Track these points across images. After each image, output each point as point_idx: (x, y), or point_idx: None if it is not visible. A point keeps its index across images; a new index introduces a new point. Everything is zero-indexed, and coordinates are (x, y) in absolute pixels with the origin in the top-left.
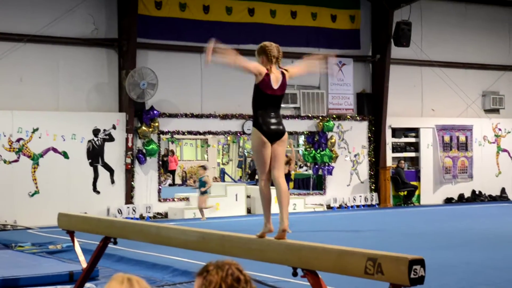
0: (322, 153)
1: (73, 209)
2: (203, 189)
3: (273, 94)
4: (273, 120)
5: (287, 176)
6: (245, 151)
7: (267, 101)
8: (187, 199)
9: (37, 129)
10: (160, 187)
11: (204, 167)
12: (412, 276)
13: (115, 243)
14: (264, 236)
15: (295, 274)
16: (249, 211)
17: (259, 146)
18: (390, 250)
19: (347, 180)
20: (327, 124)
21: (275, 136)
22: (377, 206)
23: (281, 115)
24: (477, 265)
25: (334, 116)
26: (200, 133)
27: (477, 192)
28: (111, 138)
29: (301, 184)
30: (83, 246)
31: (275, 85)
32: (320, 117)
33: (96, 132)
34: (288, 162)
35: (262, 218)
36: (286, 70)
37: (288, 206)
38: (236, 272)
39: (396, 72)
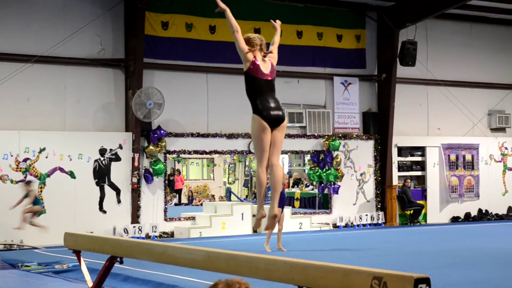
0: (327, 172)
1: (80, 229)
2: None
3: (265, 79)
4: (272, 105)
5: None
6: (251, 170)
7: (261, 87)
8: (193, 218)
9: (44, 149)
10: (166, 206)
11: (27, 182)
12: None
13: (121, 262)
14: (259, 222)
15: None
16: (255, 230)
17: (259, 131)
18: (396, 269)
19: (353, 199)
20: (333, 143)
21: (275, 121)
22: (383, 225)
23: (277, 99)
24: (484, 284)
25: (340, 135)
26: (206, 153)
27: (483, 211)
28: (117, 158)
29: (307, 203)
30: (89, 266)
31: (265, 70)
32: (326, 136)
33: (102, 151)
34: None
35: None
36: (270, 52)
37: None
38: None
39: (401, 91)
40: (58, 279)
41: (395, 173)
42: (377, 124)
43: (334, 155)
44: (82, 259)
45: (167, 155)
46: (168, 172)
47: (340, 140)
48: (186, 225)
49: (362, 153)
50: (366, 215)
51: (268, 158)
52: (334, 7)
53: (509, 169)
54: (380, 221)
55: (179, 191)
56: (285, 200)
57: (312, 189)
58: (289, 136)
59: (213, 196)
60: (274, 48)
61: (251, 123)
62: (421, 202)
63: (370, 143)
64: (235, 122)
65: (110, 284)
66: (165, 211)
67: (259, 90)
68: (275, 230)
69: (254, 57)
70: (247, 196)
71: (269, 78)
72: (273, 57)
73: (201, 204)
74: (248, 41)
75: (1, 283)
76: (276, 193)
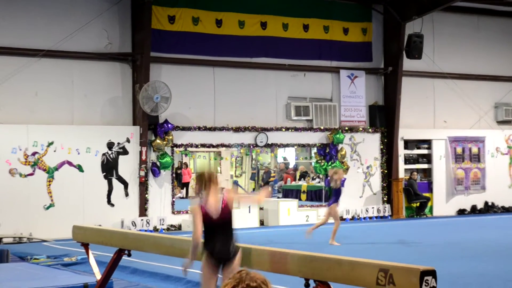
0: (333, 165)
1: (88, 222)
2: None
3: (214, 222)
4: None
5: (337, 191)
6: (258, 163)
7: (211, 227)
8: None
9: (52, 143)
10: (173, 199)
11: None
12: (423, 287)
13: (129, 255)
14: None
15: (307, 286)
16: (262, 223)
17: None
18: (402, 261)
19: (359, 192)
20: (337, 136)
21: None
22: (389, 217)
23: (232, 239)
24: (489, 276)
25: (347, 128)
26: (213, 146)
27: (489, 204)
28: (125, 151)
29: (314, 196)
30: (98, 258)
31: (214, 213)
32: (333, 129)
33: (110, 145)
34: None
35: (275, 229)
36: (227, 193)
37: None
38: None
39: (408, 84)
40: (67, 272)
41: (402, 166)
42: (384, 117)
43: (338, 148)
44: (90, 252)
45: (174, 148)
46: (176, 166)
47: (346, 133)
48: None
49: (369, 146)
50: (373, 207)
51: None
52: (340, 1)
53: None
54: (386, 214)
55: (186, 184)
56: (340, 196)
57: (319, 182)
58: (295, 129)
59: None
60: (235, 195)
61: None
62: (427, 194)
63: (377, 136)
64: (242, 116)
65: (118, 277)
66: (173, 204)
67: (208, 230)
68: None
69: (200, 202)
70: (254, 189)
71: (217, 221)
72: (231, 196)
73: None
74: (197, 180)
75: (11, 275)
76: None
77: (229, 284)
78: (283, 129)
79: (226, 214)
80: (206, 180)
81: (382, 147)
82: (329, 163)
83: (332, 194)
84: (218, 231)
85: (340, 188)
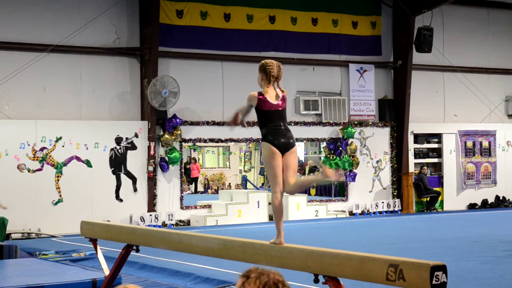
0: (343, 159)
1: (96, 217)
2: None
3: (272, 109)
4: (281, 133)
5: None
6: None
7: (269, 116)
8: (209, 206)
9: (60, 138)
10: (182, 194)
11: None
12: (434, 282)
13: (137, 250)
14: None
15: (316, 281)
16: (271, 218)
17: (270, 158)
18: (412, 256)
19: (369, 187)
20: (346, 130)
21: (285, 148)
22: (399, 212)
23: (288, 127)
24: (500, 271)
25: (356, 122)
26: (222, 141)
27: (500, 198)
28: (133, 147)
29: (323, 191)
30: (106, 254)
31: (274, 100)
32: (342, 124)
33: (118, 140)
34: None
35: (284, 225)
36: (283, 91)
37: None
38: (272, 286)
39: (418, 78)
40: (75, 267)
41: (411, 160)
42: (393, 111)
43: (348, 142)
44: (98, 248)
45: (183, 143)
46: (184, 161)
47: (356, 128)
48: (202, 213)
49: (378, 140)
50: (382, 202)
51: (283, 183)
52: None
53: None
54: (396, 209)
55: (195, 179)
56: None
57: None
58: (304, 123)
59: (229, 184)
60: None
61: (262, 150)
62: (437, 189)
63: (386, 130)
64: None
65: (127, 272)
66: (181, 199)
67: (268, 120)
68: None
69: (261, 94)
70: (263, 184)
71: (278, 108)
72: (285, 93)
73: (217, 192)
74: (264, 69)
75: (19, 271)
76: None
77: (253, 282)
78: (292, 124)
79: (284, 104)
80: (273, 75)
81: (391, 141)
82: (340, 158)
83: None
84: (278, 119)
85: None
